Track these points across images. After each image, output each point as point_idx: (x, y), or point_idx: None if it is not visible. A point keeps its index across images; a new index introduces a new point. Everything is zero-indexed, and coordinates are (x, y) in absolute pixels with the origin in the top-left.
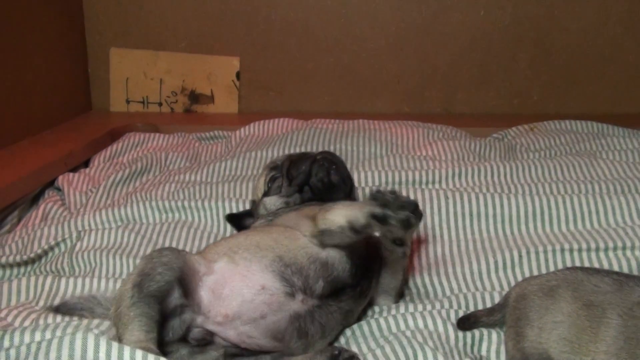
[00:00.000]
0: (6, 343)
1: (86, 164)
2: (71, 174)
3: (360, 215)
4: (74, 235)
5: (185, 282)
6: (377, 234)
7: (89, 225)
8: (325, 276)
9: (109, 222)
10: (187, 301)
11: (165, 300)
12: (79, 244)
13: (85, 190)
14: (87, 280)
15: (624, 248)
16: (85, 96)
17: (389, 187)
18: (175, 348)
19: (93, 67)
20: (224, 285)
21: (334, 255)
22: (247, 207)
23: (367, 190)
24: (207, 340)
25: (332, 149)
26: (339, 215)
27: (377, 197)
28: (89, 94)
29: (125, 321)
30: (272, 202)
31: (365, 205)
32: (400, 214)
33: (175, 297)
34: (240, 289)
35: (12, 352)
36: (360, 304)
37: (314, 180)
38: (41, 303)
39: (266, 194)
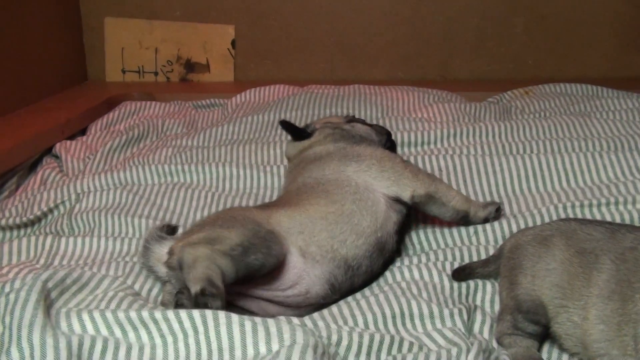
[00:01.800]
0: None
1: (83, 132)
2: (69, 142)
3: (478, 215)
4: (73, 197)
5: (272, 266)
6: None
7: (88, 188)
8: (374, 266)
9: (107, 185)
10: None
11: (250, 276)
12: (77, 206)
13: (83, 157)
14: (87, 239)
15: (616, 203)
16: (80, 66)
17: None
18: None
19: (88, 37)
20: (278, 278)
21: (391, 233)
22: (244, 170)
23: None
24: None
25: (327, 113)
26: (461, 201)
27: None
28: (84, 64)
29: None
30: (363, 129)
31: (485, 209)
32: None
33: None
34: (286, 287)
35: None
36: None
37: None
38: (42, 261)
39: (354, 120)
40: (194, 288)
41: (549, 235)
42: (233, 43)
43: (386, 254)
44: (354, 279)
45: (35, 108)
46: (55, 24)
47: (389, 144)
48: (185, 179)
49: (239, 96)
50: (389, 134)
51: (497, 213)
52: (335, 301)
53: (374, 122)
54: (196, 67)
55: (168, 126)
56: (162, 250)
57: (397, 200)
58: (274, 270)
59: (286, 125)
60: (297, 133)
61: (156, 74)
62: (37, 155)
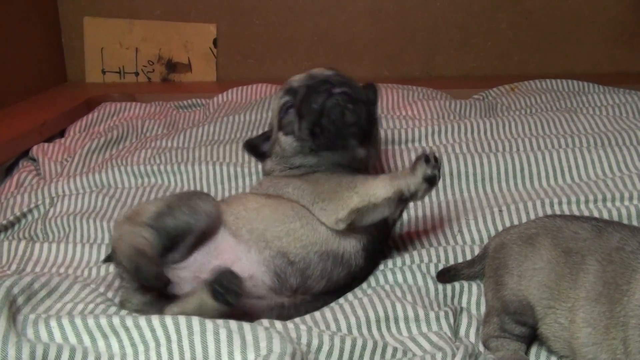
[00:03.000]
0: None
1: (61, 134)
2: (46, 144)
3: (412, 182)
4: (47, 201)
5: (208, 233)
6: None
7: (63, 191)
8: (333, 273)
9: (83, 188)
10: (185, 251)
11: (177, 241)
12: (52, 210)
13: (61, 160)
14: (62, 245)
15: (604, 200)
16: (60, 67)
17: None
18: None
19: (67, 37)
20: (218, 257)
21: (350, 251)
22: (225, 170)
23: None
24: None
25: None
26: (386, 187)
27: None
28: (63, 64)
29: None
30: (288, 142)
31: (414, 171)
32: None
33: (185, 243)
34: (228, 263)
35: None
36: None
37: (326, 121)
38: (13, 267)
39: (280, 128)
40: (128, 266)
41: (534, 233)
42: (215, 42)
43: (351, 268)
44: (307, 280)
45: (12, 110)
46: (32, 23)
47: (318, 128)
48: (163, 180)
49: (221, 96)
50: (319, 117)
51: (428, 165)
52: (295, 302)
53: None
54: (178, 66)
55: (148, 127)
56: None
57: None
58: (209, 231)
59: (249, 149)
60: (259, 154)
61: (137, 74)
62: (14, 158)
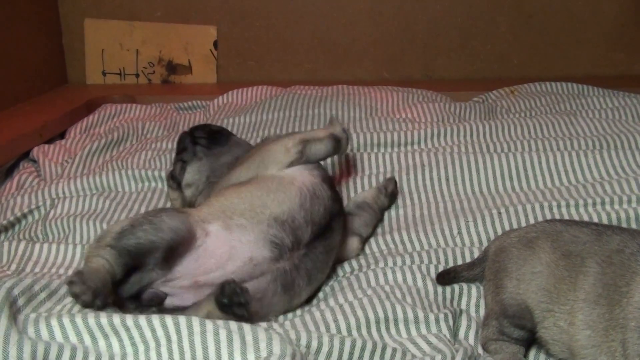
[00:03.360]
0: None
1: (62, 136)
2: (46, 146)
3: (338, 128)
4: (48, 202)
5: (176, 247)
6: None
7: (63, 193)
8: (313, 214)
9: (83, 190)
10: (162, 265)
11: (141, 259)
12: (52, 211)
13: (61, 161)
14: (62, 246)
15: (602, 203)
16: (60, 69)
17: (368, 150)
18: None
19: (67, 39)
20: (211, 256)
21: (315, 182)
22: None
23: None
24: (157, 301)
25: (310, 113)
26: (319, 131)
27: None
28: (64, 66)
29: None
30: (193, 172)
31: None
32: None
33: (154, 259)
34: (225, 261)
35: None
36: (340, 234)
37: (199, 139)
38: (13, 267)
39: (180, 176)
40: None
41: (534, 237)
42: (215, 44)
43: (323, 201)
44: (296, 232)
45: (13, 112)
46: (33, 25)
47: (205, 140)
48: (164, 185)
49: (221, 98)
50: (192, 141)
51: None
52: (294, 255)
53: (357, 123)
54: (178, 68)
55: (148, 129)
56: None
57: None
58: (183, 244)
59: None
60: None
61: (137, 75)
62: (14, 159)
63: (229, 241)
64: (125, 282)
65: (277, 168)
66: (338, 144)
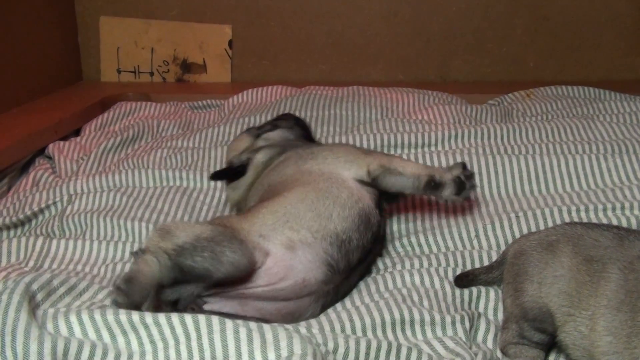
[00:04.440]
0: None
1: (77, 133)
2: (62, 142)
3: (444, 175)
4: (65, 199)
5: (232, 278)
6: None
7: (81, 189)
8: (364, 239)
9: (100, 187)
10: (212, 287)
11: (191, 280)
12: (69, 207)
13: (76, 158)
14: (79, 242)
15: (622, 208)
16: (75, 66)
17: (385, 150)
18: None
19: (83, 37)
20: (265, 275)
21: (371, 205)
22: None
23: None
24: (196, 311)
25: (326, 114)
26: (419, 167)
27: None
28: (79, 63)
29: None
30: (278, 135)
31: (450, 169)
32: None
33: (205, 283)
34: (277, 280)
35: None
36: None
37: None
38: (31, 264)
39: (261, 132)
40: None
41: (554, 240)
42: (230, 43)
43: (373, 227)
44: (349, 256)
45: (28, 108)
46: (49, 23)
47: (302, 129)
48: (182, 183)
49: (236, 97)
50: (296, 120)
51: (465, 171)
52: (336, 283)
53: (373, 124)
54: (193, 67)
55: (163, 127)
56: None
57: (362, 181)
58: (240, 277)
59: (219, 175)
60: (234, 174)
61: (152, 74)
62: (30, 156)
63: (289, 261)
64: (168, 288)
65: (352, 173)
66: (428, 188)
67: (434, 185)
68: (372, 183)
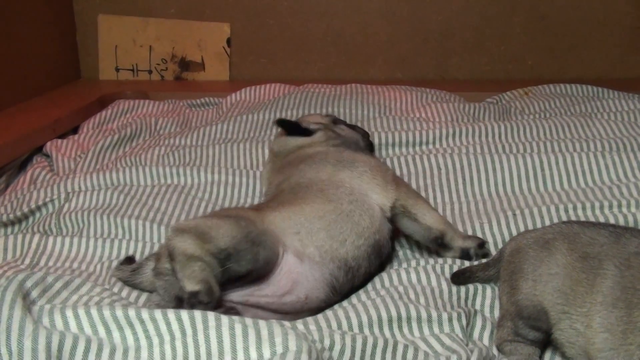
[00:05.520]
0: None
1: (75, 131)
2: (59, 140)
3: (456, 237)
4: (62, 196)
5: (261, 272)
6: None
7: (79, 187)
8: (372, 267)
9: (99, 185)
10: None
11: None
12: (67, 205)
13: (74, 156)
14: (75, 239)
15: (619, 206)
16: (73, 64)
17: (382, 150)
18: None
19: (81, 35)
20: (273, 284)
21: (385, 237)
22: (242, 179)
23: None
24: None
25: (324, 112)
26: (438, 221)
27: None
28: (77, 62)
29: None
30: (351, 134)
31: (466, 237)
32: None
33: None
34: (282, 293)
35: None
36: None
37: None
38: (27, 261)
39: (339, 122)
40: (191, 286)
41: (550, 238)
42: (228, 41)
43: (383, 257)
44: (354, 281)
45: (26, 106)
46: (48, 21)
47: (368, 145)
48: (179, 181)
49: (234, 95)
50: (367, 135)
51: (480, 249)
52: (335, 302)
53: (371, 122)
54: (191, 65)
55: (161, 125)
56: (151, 265)
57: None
58: (265, 274)
59: (286, 124)
60: (298, 130)
61: (150, 72)
62: (27, 153)
63: (296, 274)
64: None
65: (379, 202)
66: (432, 243)
67: (440, 243)
68: (389, 215)
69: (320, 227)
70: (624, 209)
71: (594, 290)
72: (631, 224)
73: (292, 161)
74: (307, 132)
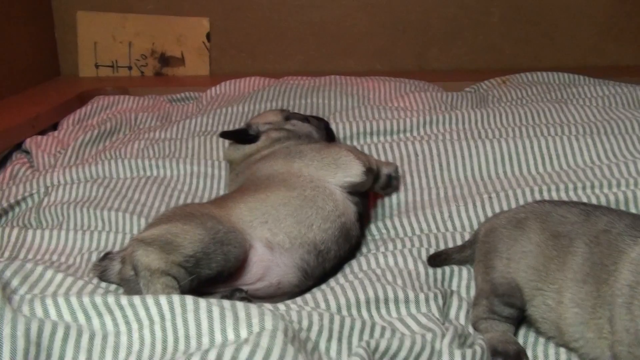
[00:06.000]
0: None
1: (54, 127)
2: (39, 137)
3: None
4: (42, 190)
5: (232, 269)
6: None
7: (58, 181)
8: (342, 251)
9: (78, 179)
10: None
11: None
12: (46, 199)
13: (54, 152)
14: (55, 232)
15: (592, 187)
16: (53, 61)
17: (361, 139)
18: None
19: (60, 32)
20: (245, 273)
21: (352, 220)
22: (221, 172)
23: None
24: None
25: (303, 103)
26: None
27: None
28: (56, 59)
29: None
30: (304, 128)
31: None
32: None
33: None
34: (254, 280)
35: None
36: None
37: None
38: (6, 254)
39: (292, 117)
40: None
41: (523, 218)
42: (208, 36)
43: (352, 240)
44: (325, 264)
45: (5, 103)
46: (26, 18)
47: (327, 134)
48: (159, 173)
49: (214, 88)
50: (326, 124)
51: (396, 173)
52: (309, 287)
53: (350, 112)
54: (171, 60)
55: (141, 119)
56: (117, 266)
57: (348, 188)
58: (236, 270)
59: (229, 135)
60: (244, 139)
61: (130, 68)
62: (7, 150)
63: (267, 262)
64: None
65: (337, 183)
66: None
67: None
68: (359, 182)
69: (287, 214)
70: (597, 190)
71: (565, 267)
72: (603, 203)
73: (246, 167)
74: (253, 139)
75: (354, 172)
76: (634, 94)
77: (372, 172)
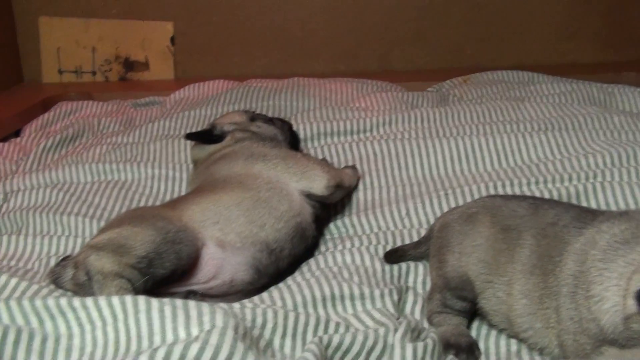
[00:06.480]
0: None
1: (17, 134)
2: (1, 144)
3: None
4: (1, 197)
5: (185, 267)
6: None
7: (18, 187)
8: (296, 250)
9: (38, 184)
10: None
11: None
12: (5, 206)
13: (16, 159)
14: (13, 237)
15: (545, 181)
16: (15, 68)
17: (321, 140)
18: None
19: (22, 38)
20: (198, 272)
21: (308, 220)
22: (183, 174)
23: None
24: None
25: (264, 105)
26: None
27: None
28: (19, 65)
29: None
30: (269, 130)
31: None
32: None
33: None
34: (207, 279)
35: None
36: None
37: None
38: None
39: (257, 118)
40: None
41: (474, 212)
42: (172, 40)
43: (308, 239)
44: (278, 263)
45: None
46: None
47: (291, 137)
48: (120, 177)
49: (177, 92)
50: (290, 127)
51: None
52: (264, 285)
53: (311, 113)
54: (135, 65)
55: (104, 125)
56: (69, 272)
57: (309, 195)
58: (189, 268)
59: (194, 136)
60: (209, 139)
61: (94, 73)
62: None
63: (219, 260)
64: None
65: (299, 187)
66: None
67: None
68: (320, 195)
69: (239, 214)
70: (549, 184)
71: (514, 260)
72: (555, 197)
73: (207, 166)
74: (218, 139)
75: (316, 185)
76: (589, 90)
77: (341, 187)
